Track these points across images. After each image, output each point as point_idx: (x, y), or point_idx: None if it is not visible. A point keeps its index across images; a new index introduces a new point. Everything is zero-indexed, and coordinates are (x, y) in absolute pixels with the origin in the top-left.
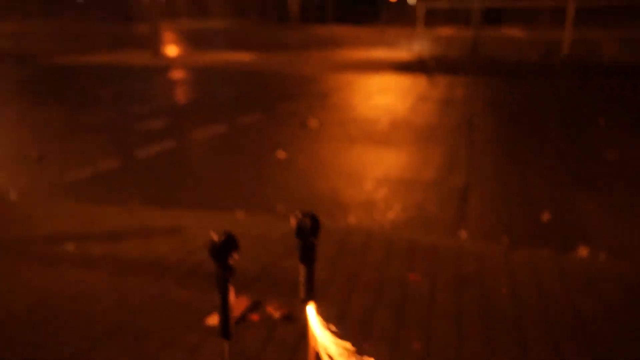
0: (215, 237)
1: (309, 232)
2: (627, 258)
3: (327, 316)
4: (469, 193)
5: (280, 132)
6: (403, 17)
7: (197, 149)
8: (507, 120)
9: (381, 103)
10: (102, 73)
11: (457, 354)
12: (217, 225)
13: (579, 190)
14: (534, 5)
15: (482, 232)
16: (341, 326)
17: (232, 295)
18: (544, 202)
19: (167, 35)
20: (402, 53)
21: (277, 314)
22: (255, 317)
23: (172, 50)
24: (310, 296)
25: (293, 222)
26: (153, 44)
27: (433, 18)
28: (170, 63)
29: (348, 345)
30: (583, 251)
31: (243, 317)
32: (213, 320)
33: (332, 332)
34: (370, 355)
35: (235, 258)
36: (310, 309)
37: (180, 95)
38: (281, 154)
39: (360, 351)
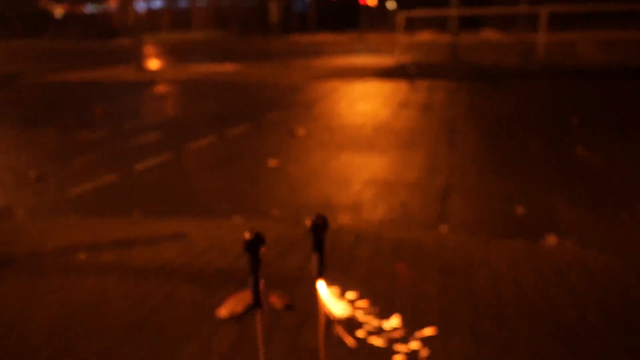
0: (248, 235)
1: (320, 228)
2: (593, 246)
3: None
4: (450, 192)
5: (269, 141)
6: (383, 23)
7: (192, 160)
8: (486, 123)
9: (365, 109)
10: (88, 90)
11: (442, 333)
12: (218, 231)
13: (552, 186)
14: (510, 10)
15: (462, 227)
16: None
17: (262, 281)
18: (519, 198)
19: (151, 49)
20: (384, 59)
21: (279, 305)
22: (274, 301)
23: (156, 64)
24: (321, 274)
25: (309, 221)
26: (137, 59)
27: (413, 24)
28: (156, 77)
29: (353, 312)
30: (552, 240)
31: (250, 310)
32: (224, 312)
33: (340, 301)
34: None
35: (263, 251)
36: (321, 283)
37: (169, 109)
38: (272, 162)
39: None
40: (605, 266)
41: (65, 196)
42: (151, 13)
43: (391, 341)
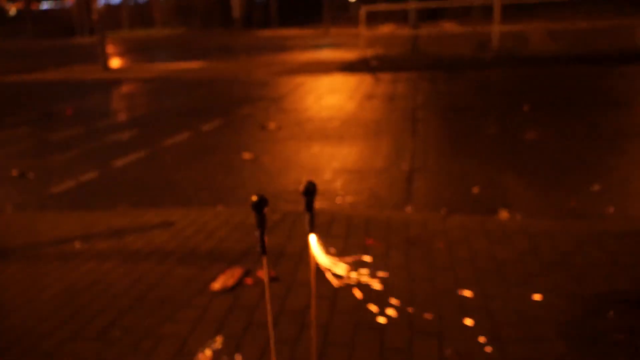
0: (254, 198)
1: (310, 193)
2: (537, 215)
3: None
4: (414, 176)
5: (242, 135)
6: (345, 17)
7: (168, 155)
8: (445, 111)
9: (331, 103)
10: (55, 90)
11: (409, 288)
12: (202, 218)
13: (504, 167)
14: (466, 2)
15: (425, 206)
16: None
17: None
18: (475, 179)
19: (113, 47)
20: (347, 53)
21: (265, 277)
22: (249, 281)
23: (120, 62)
24: (312, 229)
25: (302, 187)
26: (102, 58)
27: (374, 18)
28: (121, 76)
29: (341, 263)
30: (503, 214)
31: (240, 283)
32: (217, 285)
33: (329, 254)
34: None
35: (266, 210)
36: (312, 237)
37: (139, 107)
38: (246, 155)
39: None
40: (545, 230)
41: (49, 192)
42: (110, 9)
43: (362, 280)
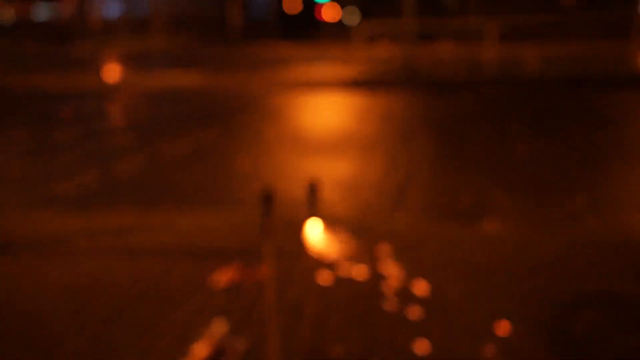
0: (264, 192)
1: (315, 187)
2: (520, 224)
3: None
4: (406, 187)
5: (239, 145)
6: (343, 35)
7: (167, 160)
8: (438, 129)
9: (327, 117)
10: (53, 97)
11: (398, 286)
12: (202, 218)
13: (492, 181)
14: (462, 25)
15: (415, 214)
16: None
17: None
18: (464, 191)
19: (111, 56)
20: (344, 69)
21: (261, 274)
22: (248, 278)
23: (118, 71)
24: (313, 214)
25: (309, 187)
26: (99, 66)
27: (372, 37)
28: (119, 84)
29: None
30: (489, 221)
31: (240, 280)
32: (218, 281)
33: (328, 234)
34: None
35: (271, 201)
36: (313, 222)
37: (136, 115)
38: (244, 163)
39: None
40: (527, 238)
41: (52, 192)
42: (108, 18)
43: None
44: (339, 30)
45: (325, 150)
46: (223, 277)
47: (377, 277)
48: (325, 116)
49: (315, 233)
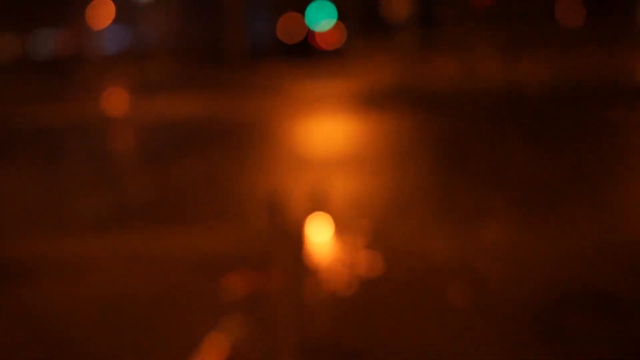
0: (270, 197)
1: (320, 191)
2: (519, 232)
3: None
4: (401, 200)
5: (242, 166)
6: (340, 50)
7: (176, 181)
8: (434, 142)
9: (326, 132)
10: (56, 120)
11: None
12: (210, 239)
13: (488, 192)
14: (458, 40)
15: (413, 219)
16: None
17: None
18: (461, 202)
19: (113, 84)
20: (341, 87)
21: (271, 283)
22: (255, 285)
23: (121, 99)
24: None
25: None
26: (100, 90)
27: (371, 54)
28: (123, 112)
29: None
30: (486, 233)
31: (248, 286)
32: (229, 287)
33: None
34: None
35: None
36: (318, 219)
37: (143, 140)
38: (247, 179)
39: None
40: (522, 242)
41: (65, 217)
42: (109, 48)
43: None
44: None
45: (325, 162)
46: (235, 283)
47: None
48: (323, 130)
49: (318, 240)
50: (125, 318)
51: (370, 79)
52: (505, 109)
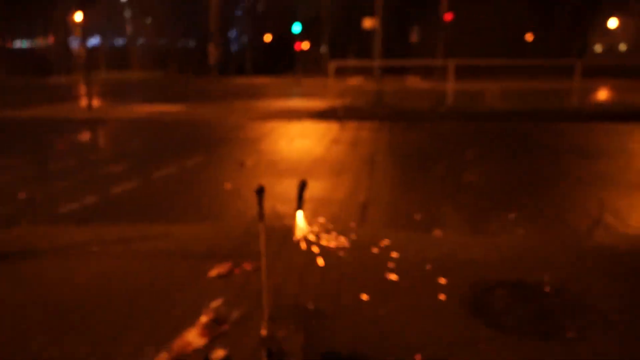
0: (257, 187)
1: (303, 185)
2: (460, 234)
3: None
4: (368, 205)
5: (222, 170)
6: (316, 68)
7: (159, 184)
8: (401, 155)
9: (302, 145)
10: (44, 127)
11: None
12: (196, 230)
13: (443, 200)
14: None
15: (375, 228)
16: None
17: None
18: (419, 208)
19: (92, 87)
20: (317, 102)
21: (249, 267)
22: (237, 270)
23: (102, 103)
24: (300, 207)
25: (300, 182)
26: (86, 97)
27: (343, 70)
28: (106, 115)
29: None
30: (437, 233)
31: (230, 272)
32: (213, 273)
33: (310, 228)
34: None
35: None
36: (300, 213)
37: (126, 144)
38: (228, 185)
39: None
40: (463, 242)
41: (59, 211)
42: (88, 51)
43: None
44: (313, 59)
45: (300, 173)
46: (218, 269)
47: (342, 257)
48: (299, 144)
49: (299, 223)
50: (121, 289)
51: (343, 89)
52: (465, 124)
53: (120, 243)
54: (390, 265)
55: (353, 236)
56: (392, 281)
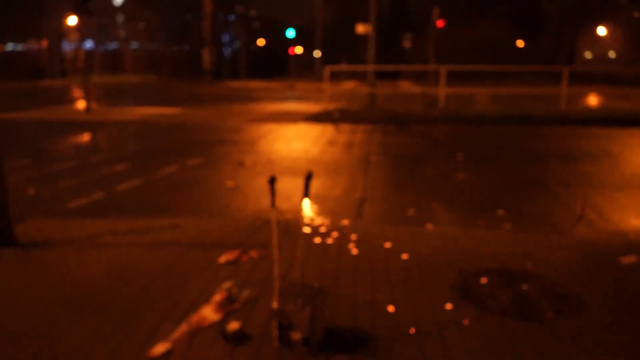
0: (270, 177)
1: (310, 176)
2: (450, 228)
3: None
4: (363, 202)
5: (223, 170)
6: (310, 72)
7: (161, 183)
8: (394, 157)
9: (298, 147)
10: (43, 129)
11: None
12: (202, 223)
13: (434, 198)
14: (418, 67)
15: (371, 221)
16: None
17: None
18: (411, 205)
19: (92, 91)
20: (312, 106)
21: (256, 255)
22: (244, 257)
23: (98, 106)
24: (307, 195)
25: (306, 174)
26: (84, 100)
27: (338, 75)
28: (103, 118)
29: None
30: (429, 227)
31: (238, 259)
32: (222, 259)
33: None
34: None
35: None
36: (306, 200)
37: (126, 145)
38: (229, 184)
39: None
40: (453, 235)
41: (66, 207)
42: (81, 53)
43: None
44: (307, 64)
45: (297, 172)
46: (227, 256)
47: (340, 247)
48: (296, 145)
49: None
50: (135, 274)
51: (338, 93)
52: (456, 127)
53: (132, 234)
54: (385, 255)
55: (350, 229)
56: (386, 269)
